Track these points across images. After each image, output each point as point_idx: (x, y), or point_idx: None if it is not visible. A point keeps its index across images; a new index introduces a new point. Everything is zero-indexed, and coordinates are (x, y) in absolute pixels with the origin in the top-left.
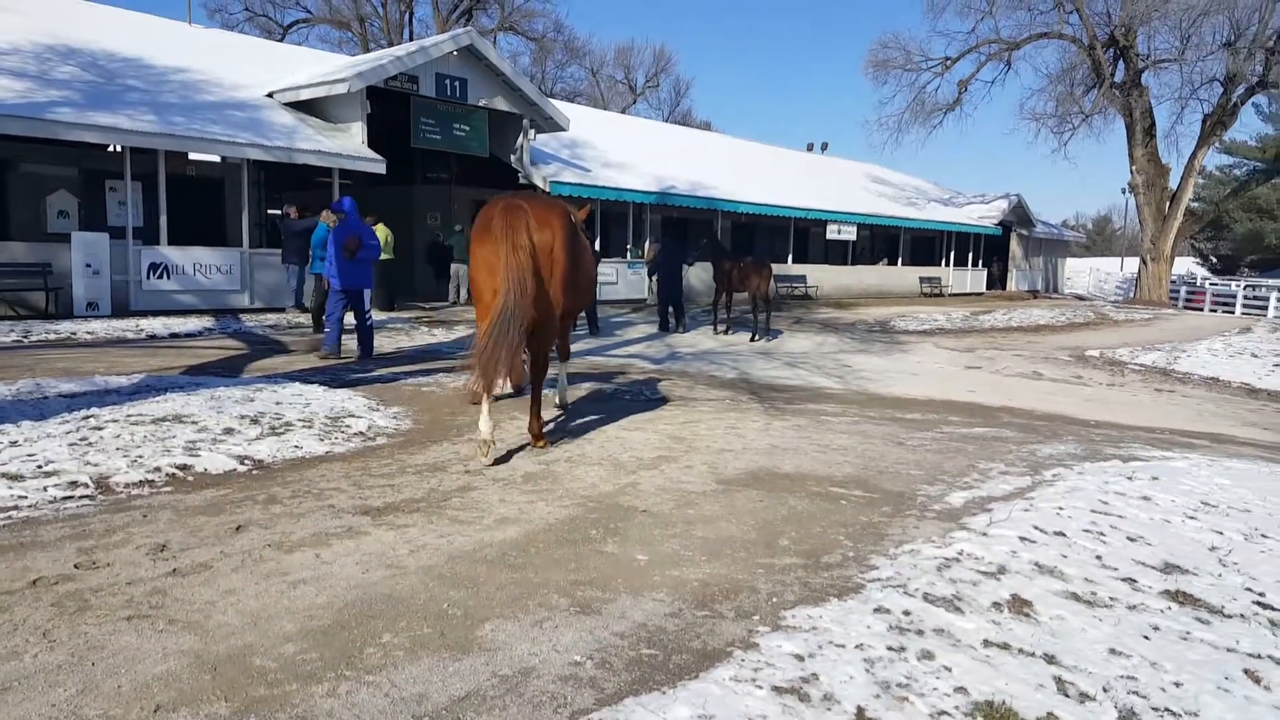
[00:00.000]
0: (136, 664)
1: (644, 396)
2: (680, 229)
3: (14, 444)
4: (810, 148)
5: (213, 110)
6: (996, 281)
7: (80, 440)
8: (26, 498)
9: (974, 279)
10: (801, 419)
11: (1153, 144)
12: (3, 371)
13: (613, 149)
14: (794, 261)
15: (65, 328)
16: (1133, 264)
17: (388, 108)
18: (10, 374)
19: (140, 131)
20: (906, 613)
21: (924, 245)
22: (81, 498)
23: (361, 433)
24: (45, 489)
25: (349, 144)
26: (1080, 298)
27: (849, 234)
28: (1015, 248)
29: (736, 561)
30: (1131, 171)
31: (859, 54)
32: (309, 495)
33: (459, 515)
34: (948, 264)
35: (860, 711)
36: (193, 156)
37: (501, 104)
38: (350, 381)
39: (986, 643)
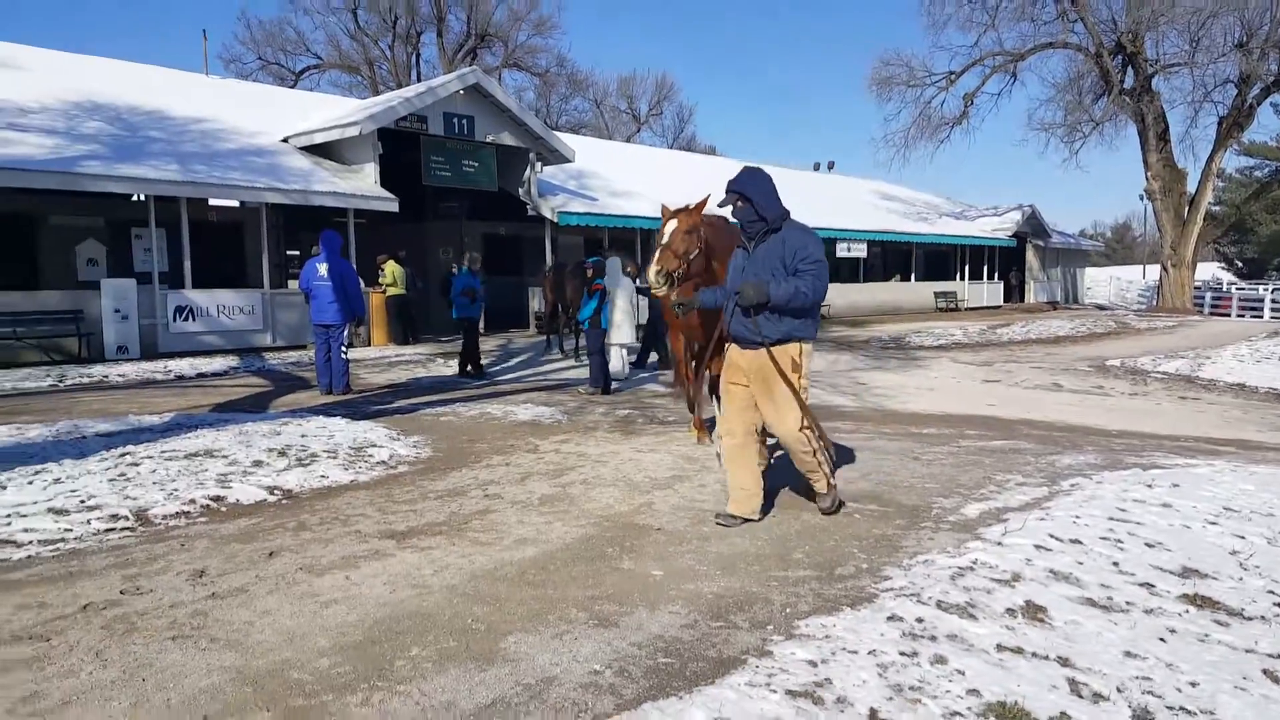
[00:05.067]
0: (183, 679)
1: (657, 419)
2: None
3: (57, 481)
4: (817, 167)
5: (232, 157)
6: (1014, 294)
7: (119, 476)
8: (72, 530)
9: (990, 292)
10: None
11: (1167, 149)
12: (42, 414)
13: (618, 177)
14: None
15: (98, 371)
16: (1154, 271)
17: (399, 147)
18: (50, 416)
19: (164, 180)
20: (919, 620)
21: (937, 260)
22: (123, 529)
23: (384, 461)
24: (89, 522)
25: (363, 184)
26: (1101, 307)
27: (859, 251)
28: (1032, 259)
29: (750, 575)
30: (1147, 178)
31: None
32: (336, 521)
33: (479, 537)
34: (962, 278)
35: (873, 713)
36: (213, 202)
37: (508, 139)
38: (371, 413)
39: (1000, 647)
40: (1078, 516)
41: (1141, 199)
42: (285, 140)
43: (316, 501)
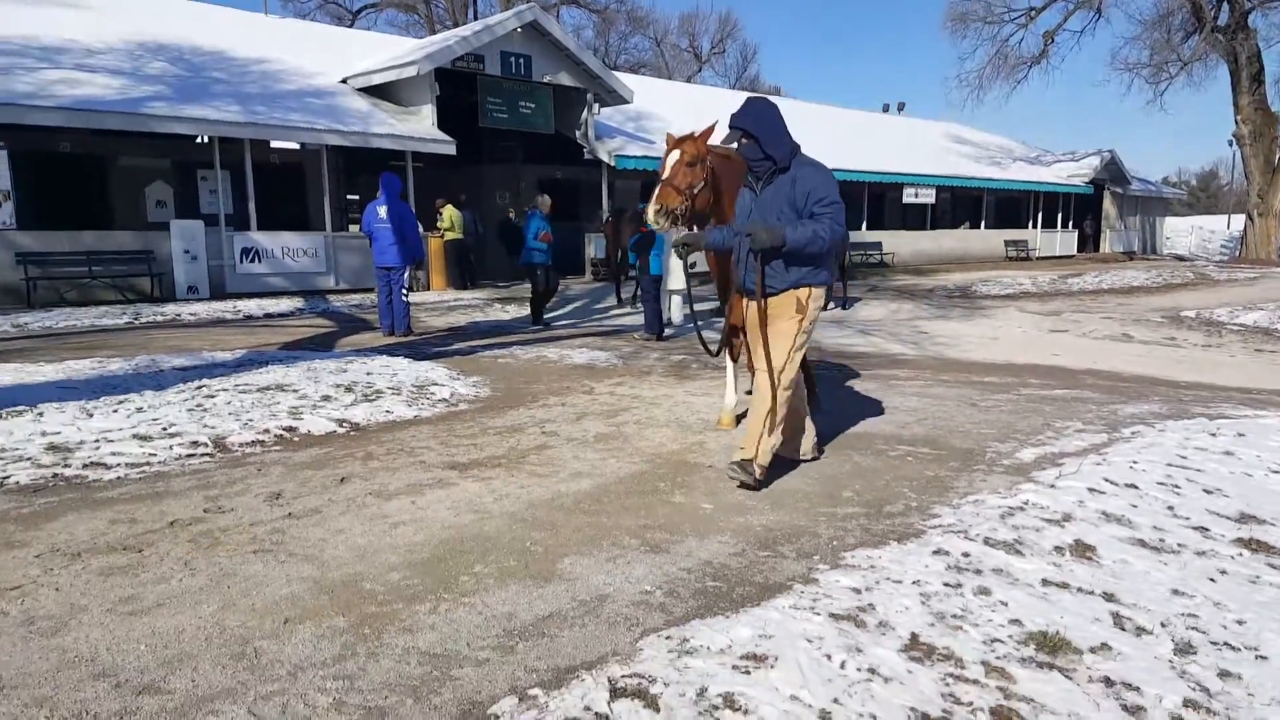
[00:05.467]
0: (265, 587)
1: (711, 364)
2: None
3: (139, 410)
4: (886, 108)
5: (292, 99)
6: (1089, 243)
7: (196, 406)
8: (156, 455)
9: (1064, 241)
10: (871, 383)
11: (1261, 91)
12: (121, 350)
13: (678, 119)
14: (868, 228)
15: (170, 310)
16: (1240, 221)
17: (455, 88)
18: (127, 351)
19: (226, 121)
20: (965, 554)
21: (1009, 207)
22: (203, 455)
23: (445, 399)
24: (171, 448)
25: (420, 127)
26: (1181, 258)
27: (927, 197)
28: (1109, 207)
29: (799, 510)
30: (1237, 121)
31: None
32: (402, 453)
33: (536, 470)
34: (1035, 226)
35: (914, 637)
36: (275, 144)
37: (566, 79)
38: (431, 354)
39: (1045, 582)
40: (1135, 462)
41: (1230, 144)
42: (344, 81)
43: (383, 434)
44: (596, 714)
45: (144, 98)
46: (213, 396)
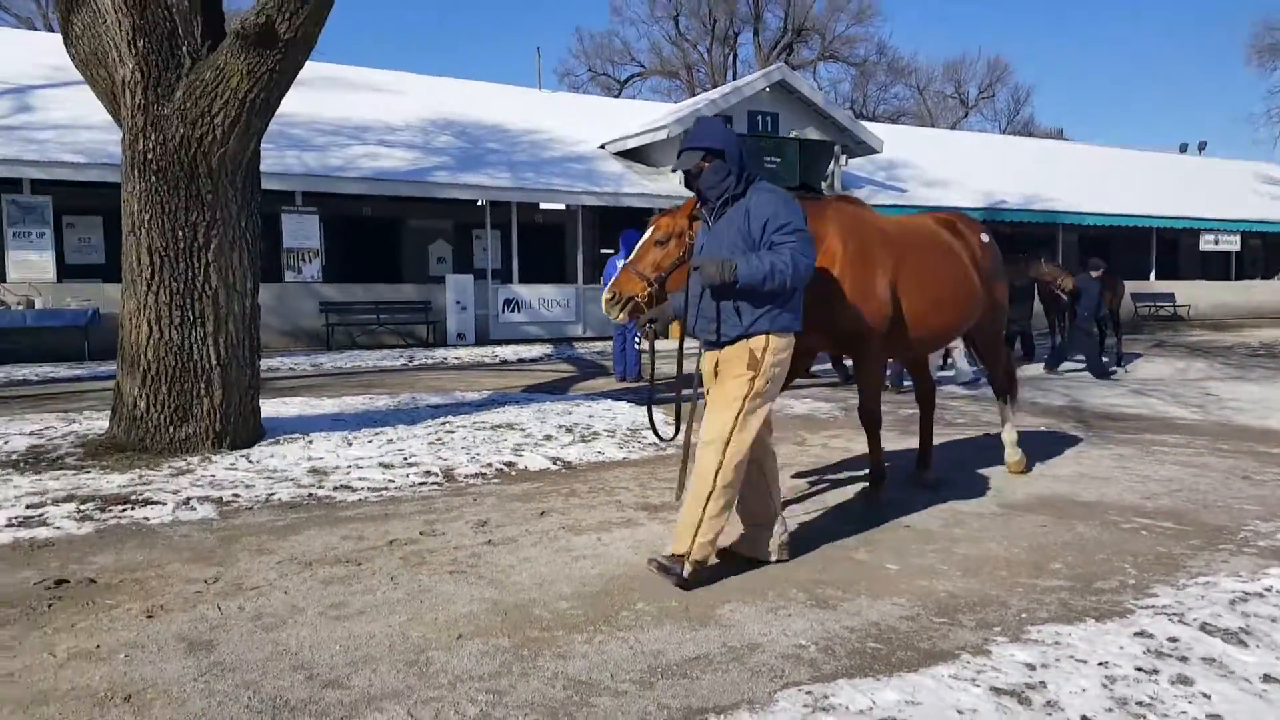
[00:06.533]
0: (450, 604)
1: (943, 420)
2: (1010, 246)
3: (390, 441)
4: (1184, 148)
5: (556, 165)
6: None
7: (436, 440)
8: (394, 482)
9: None
10: (1129, 448)
11: None
12: (391, 388)
13: (933, 166)
14: (1158, 277)
15: (439, 354)
16: None
17: None
18: (396, 390)
19: (497, 187)
20: (1173, 639)
21: None
22: (432, 484)
23: (655, 444)
24: (407, 475)
25: (668, 185)
26: None
27: (1230, 244)
28: None
29: (994, 579)
30: None
31: (1238, 41)
32: (602, 491)
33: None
34: None
35: None
36: (543, 206)
37: (813, 133)
38: (655, 401)
39: (1267, 678)
40: None
41: None
42: (602, 146)
43: (589, 473)
44: None
45: (431, 167)
46: (452, 432)
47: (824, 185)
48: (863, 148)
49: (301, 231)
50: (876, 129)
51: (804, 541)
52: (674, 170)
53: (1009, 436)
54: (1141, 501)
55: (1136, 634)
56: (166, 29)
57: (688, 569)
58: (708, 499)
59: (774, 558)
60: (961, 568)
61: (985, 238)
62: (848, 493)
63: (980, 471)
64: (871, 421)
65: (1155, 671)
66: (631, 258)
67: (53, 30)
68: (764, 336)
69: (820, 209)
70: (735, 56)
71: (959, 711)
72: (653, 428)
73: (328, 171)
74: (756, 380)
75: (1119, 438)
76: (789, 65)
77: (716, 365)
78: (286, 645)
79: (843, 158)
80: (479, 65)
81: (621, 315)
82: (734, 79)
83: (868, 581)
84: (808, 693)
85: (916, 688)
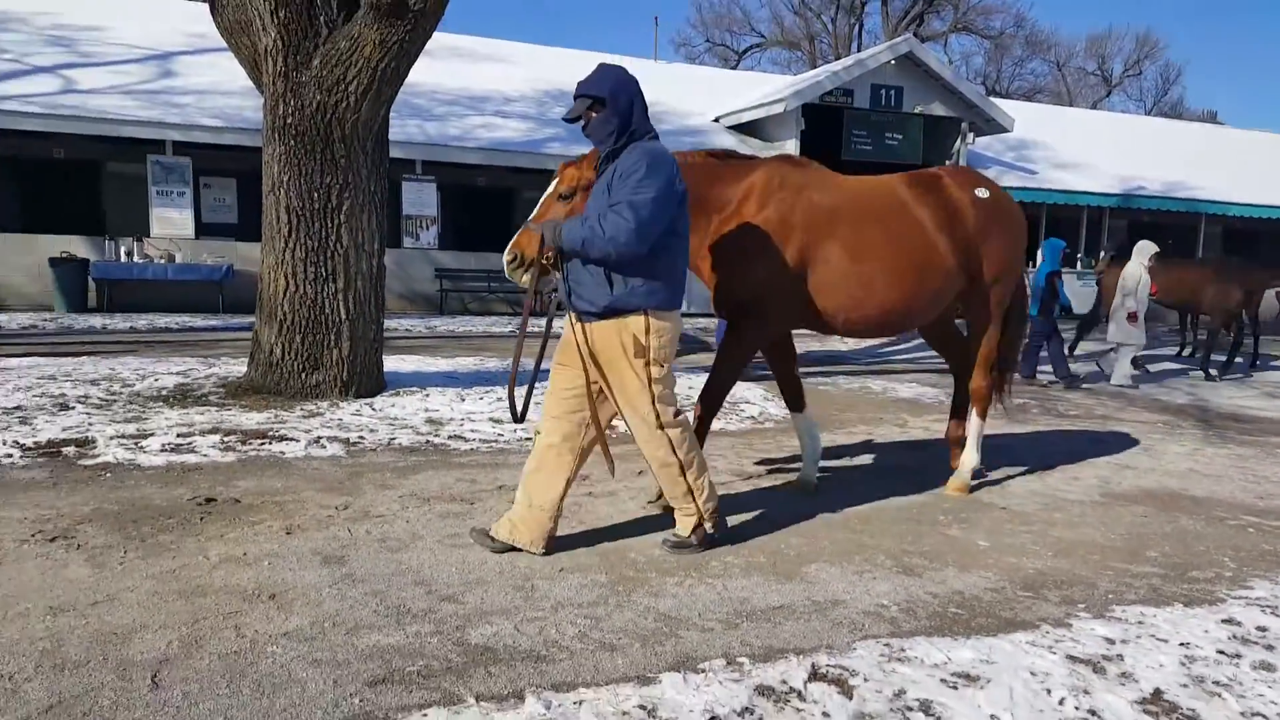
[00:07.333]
0: (558, 547)
1: (1054, 410)
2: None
3: (499, 400)
4: None
5: (666, 138)
6: None
7: (542, 400)
8: (503, 435)
9: None
10: (1249, 449)
11: None
12: (500, 352)
13: (1067, 148)
14: None
15: (543, 322)
16: None
17: (820, 122)
18: (504, 354)
19: None
20: (1261, 629)
21: None
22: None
23: (753, 416)
24: (515, 431)
25: None
26: None
27: None
28: None
29: (1086, 562)
30: None
31: None
32: None
33: (819, 487)
34: None
35: (1157, 693)
36: None
37: (939, 109)
38: (754, 377)
39: None
40: None
41: None
42: (716, 120)
43: None
44: (791, 688)
45: (544, 139)
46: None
47: (948, 163)
48: (991, 125)
49: (420, 199)
50: (1008, 106)
51: (895, 515)
52: (568, 119)
53: (967, 458)
54: (1254, 501)
55: (1224, 620)
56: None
57: (708, 527)
58: (683, 474)
59: (535, 550)
60: (1054, 549)
61: (982, 192)
62: (942, 474)
63: (1089, 461)
64: (712, 400)
65: (1238, 656)
66: (533, 214)
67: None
68: (642, 317)
69: (745, 170)
70: (861, 27)
71: (1032, 673)
72: (511, 407)
73: (446, 141)
74: (651, 366)
75: (1240, 438)
76: (918, 37)
77: (589, 341)
78: (408, 565)
79: (970, 135)
80: (597, 36)
81: (525, 278)
82: (858, 51)
83: (956, 555)
84: (885, 645)
85: (993, 649)
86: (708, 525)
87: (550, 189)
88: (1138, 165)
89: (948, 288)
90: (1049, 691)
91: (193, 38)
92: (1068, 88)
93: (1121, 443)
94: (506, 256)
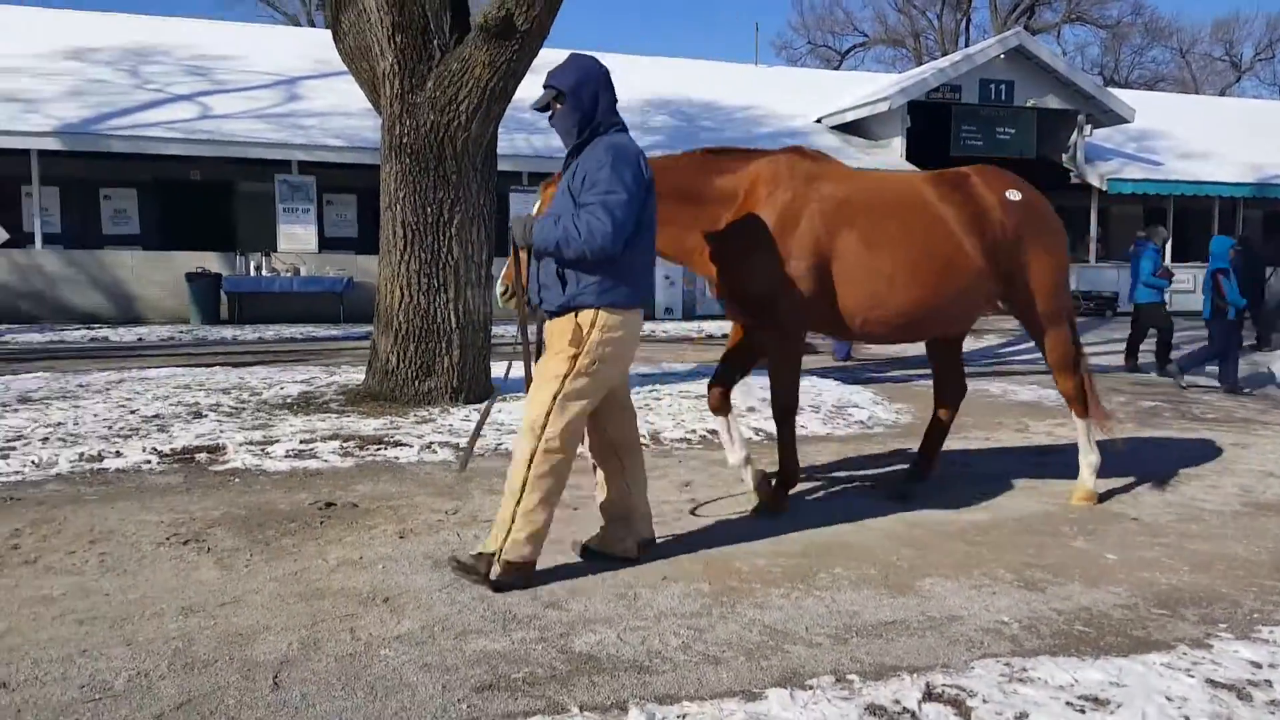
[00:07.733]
0: (655, 551)
1: (1189, 414)
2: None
3: None
4: None
5: (767, 139)
6: None
7: (644, 406)
8: None
9: None
10: None
11: None
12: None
13: (1193, 137)
14: None
15: (648, 327)
16: None
17: (928, 118)
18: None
19: None
20: None
21: None
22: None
23: (861, 421)
24: None
25: (888, 158)
26: None
27: None
28: None
29: (1227, 577)
30: None
31: None
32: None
33: (931, 497)
34: None
35: None
36: None
37: (1052, 101)
38: (864, 379)
39: None
40: None
41: None
42: (818, 120)
43: None
44: (904, 708)
45: (646, 147)
46: (659, 399)
47: (1065, 157)
48: (1110, 117)
49: (526, 210)
50: (1127, 96)
51: (1016, 526)
52: (535, 107)
53: (1087, 463)
54: None
55: None
56: (421, 24)
57: (496, 570)
58: (521, 492)
59: (634, 554)
60: (1191, 563)
61: (1013, 194)
62: (1068, 484)
63: (1230, 468)
64: (783, 411)
65: None
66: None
67: (314, 26)
68: (591, 311)
69: (749, 160)
70: (968, 22)
71: (1168, 699)
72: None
73: (551, 153)
74: (580, 358)
75: None
76: (1028, 30)
77: (548, 334)
78: None
79: (1087, 128)
80: (697, 44)
81: (512, 304)
82: (966, 46)
83: (1082, 569)
84: (1006, 664)
85: (1124, 671)
86: (497, 566)
87: (534, 210)
88: (1270, 152)
89: (975, 289)
90: (1186, 718)
91: (318, 63)
92: (1192, 75)
93: (1265, 449)
94: (499, 289)
